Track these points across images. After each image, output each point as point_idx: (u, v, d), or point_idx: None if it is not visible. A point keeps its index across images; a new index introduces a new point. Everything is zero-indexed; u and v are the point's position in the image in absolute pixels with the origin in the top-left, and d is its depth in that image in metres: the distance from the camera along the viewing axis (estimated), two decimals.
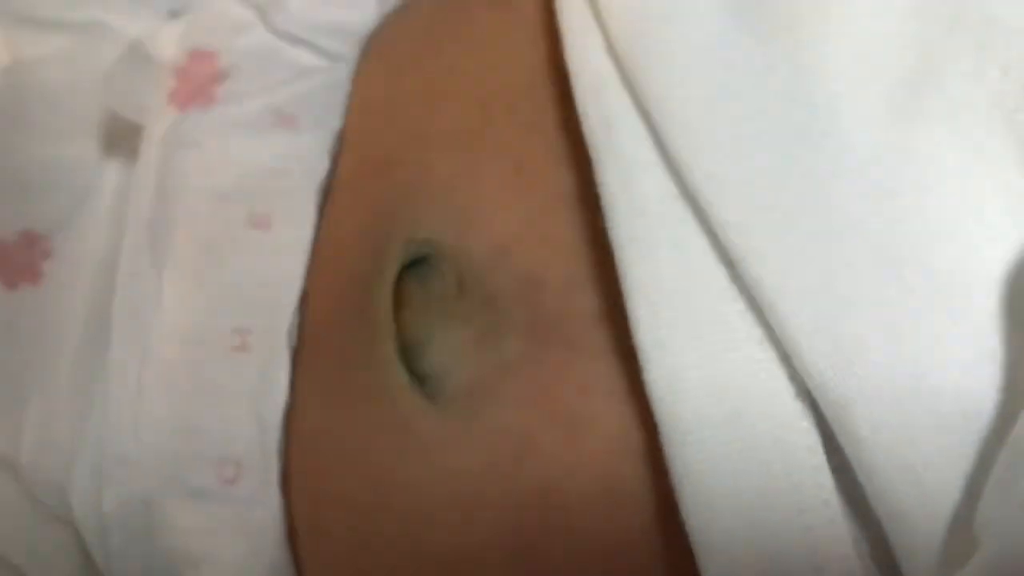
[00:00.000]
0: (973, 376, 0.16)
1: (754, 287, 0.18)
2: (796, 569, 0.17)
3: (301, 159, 0.23)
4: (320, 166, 0.23)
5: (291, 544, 0.22)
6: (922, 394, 0.16)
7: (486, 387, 0.20)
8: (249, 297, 0.22)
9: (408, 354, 0.21)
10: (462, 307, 0.21)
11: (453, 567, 0.20)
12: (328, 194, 0.24)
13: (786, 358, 0.17)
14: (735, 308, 0.18)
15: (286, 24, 0.25)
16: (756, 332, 0.18)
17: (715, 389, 0.18)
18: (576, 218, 0.21)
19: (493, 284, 0.21)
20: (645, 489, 0.19)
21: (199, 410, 0.22)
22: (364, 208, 0.23)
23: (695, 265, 0.18)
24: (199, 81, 0.24)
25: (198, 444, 0.22)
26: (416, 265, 0.22)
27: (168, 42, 0.25)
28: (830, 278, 0.17)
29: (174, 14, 0.27)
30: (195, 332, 0.22)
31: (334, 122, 0.24)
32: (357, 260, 0.22)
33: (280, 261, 0.23)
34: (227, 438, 0.22)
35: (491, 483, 0.20)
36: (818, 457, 0.17)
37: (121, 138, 0.26)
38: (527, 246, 0.21)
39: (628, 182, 0.19)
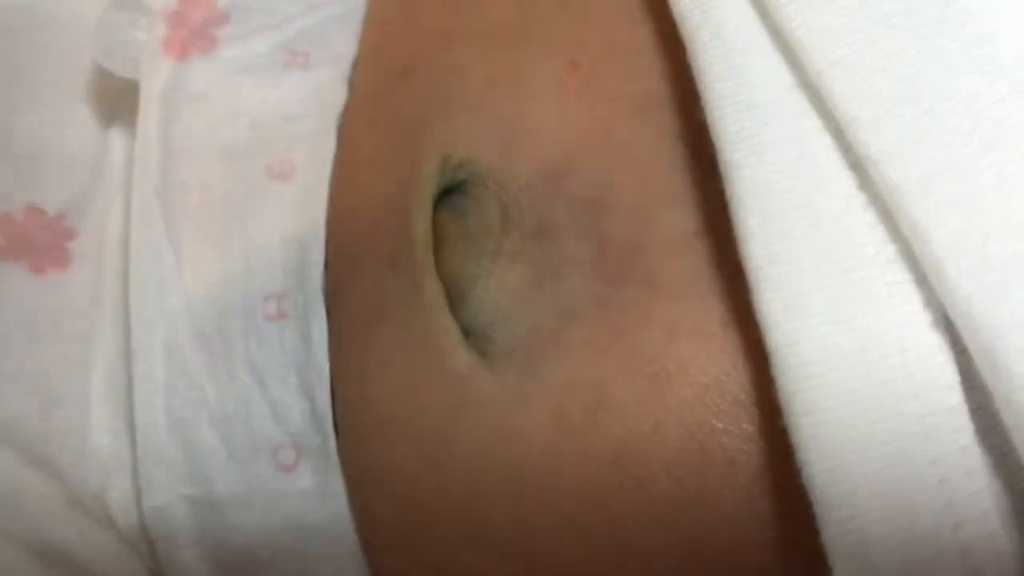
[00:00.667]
0: None
1: (889, 195, 0.15)
2: (929, 526, 0.14)
3: (317, 97, 0.21)
4: (338, 98, 0.21)
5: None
6: None
7: (547, 336, 0.18)
8: (279, 257, 0.20)
9: (450, 300, 0.19)
10: (509, 243, 0.18)
11: (517, 546, 0.18)
12: (343, 119, 0.21)
13: (923, 280, 0.15)
14: (864, 220, 0.15)
15: None
16: (888, 249, 0.15)
17: (841, 315, 0.15)
18: (649, 125, 0.18)
19: (547, 212, 0.18)
20: (744, 447, 0.17)
21: (240, 393, 0.20)
22: (385, 126, 0.20)
23: (816, 168, 0.15)
24: (195, 25, 0.22)
25: (245, 432, 0.20)
26: (450, 193, 0.19)
27: None
28: (979, 189, 0.14)
29: None
30: (224, 305, 0.20)
31: (350, 51, 0.22)
32: (382, 187, 0.20)
33: (308, 210, 0.20)
34: (278, 421, 0.20)
35: (559, 445, 0.18)
36: (956, 397, 0.15)
37: (122, 97, 0.23)
38: (589, 163, 0.18)
39: (733, 68, 0.16)
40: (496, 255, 0.18)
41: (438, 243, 0.19)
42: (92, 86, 0.24)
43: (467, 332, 0.18)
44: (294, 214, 0.20)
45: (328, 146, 0.20)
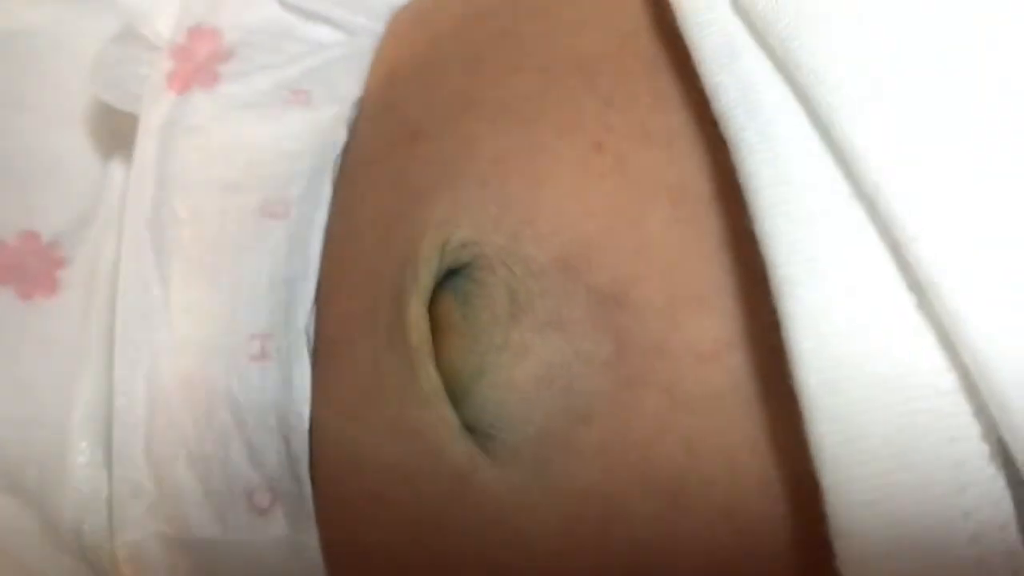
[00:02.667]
0: None
1: (951, 323, 0.14)
2: (937, 487, 0.14)
3: (317, 136, 0.21)
4: (337, 137, 0.21)
5: None
6: None
7: (558, 439, 0.17)
8: (267, 296, 0.20)
9: (451, 393, 0.18)
10: (518, 335, 0.17)
11: None
12: (343, 173, 0.21)
13: (980, 411, 0.14)
14: (923, 345, 0.14)
15: None
16: (948, 379, 0.14)
17: (899, 451, 0.14)
18: (682, 218, 0.17)
19: (562, 304, 0.17)
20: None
21: (219, 433, 0.20)
22: (388, 190, 0.19)
23: (876, 290, 0.14)
24: (200, 60, 0.22)
25: (222, 473, 0.19)
26: (453, 277, 0.18)
27: (166, 19, 0.23)
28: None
29: None
30: (209, 343, 0.20)
31: (354, 92, 0.21)
32: (381, 257, 0.19)
33: (299, 250, 0.20)
34: (255, 462, 0.19)
35: (569, 554, 0.17)
36: (1013, 535, 0.14)
37: (124, 127, 0.23)
38: (612, 253, 0.17)
39: (784, 174, 0.15)
40: (502, 349, 0.17)
41: (441, 331, 0.18)
42: (94, 115, 0.24)
43: (470, 428, 0.17)
44: (286, 253, 0.20)
45: (325, 188, 0.20)
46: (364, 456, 0.18)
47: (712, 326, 0.16)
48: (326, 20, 0.23)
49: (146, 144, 0.21)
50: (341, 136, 0.21)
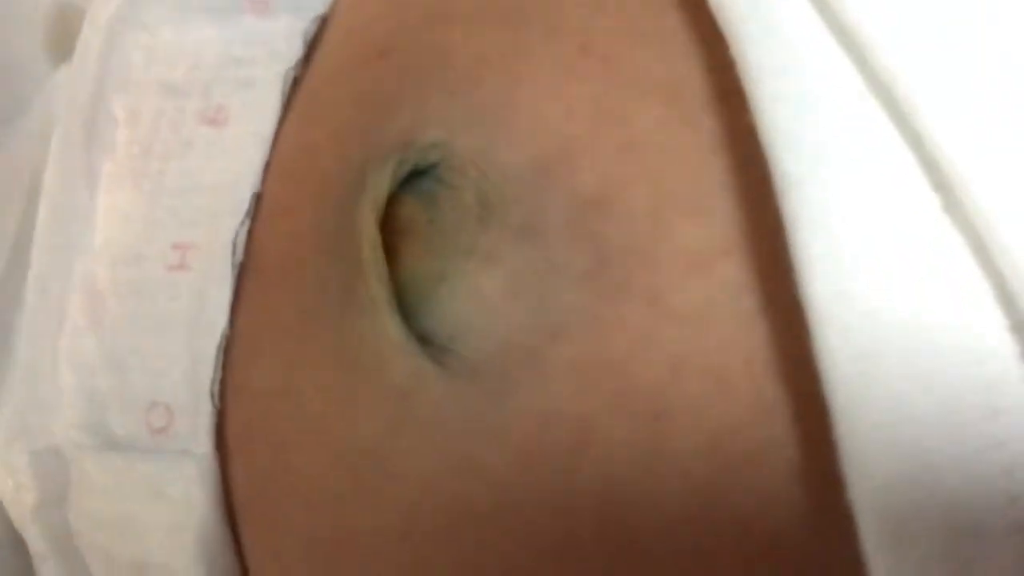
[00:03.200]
0: None
1: (978, 218, 0.12)
2: (965, 412, 0.12)
3: (269, 46, 0.19)
4: (291, 52, 0.19)
5: (228, 515, 0.18)
6: None
7: (525, 356, 0.15)
8: (195, 205, 0.18)
9: (408, 302, 0.16)
10: (487, 240, 0.15)
11: None
12: (299, 89, 0.19)
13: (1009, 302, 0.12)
14: (950, 244, 0.13)
15: None
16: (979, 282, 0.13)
17: (920, 369, 0.12)
18: (674, 116, 0.15)
19: (537, 209, 0.15)
20: (760, 515, 0.14)
21: (129, 344, 0.18)
22: (351, 106, 0.18)
23: (894, 187, 0.13)
24: None
25: (125, 385, 0.18)
26: (419, 178, 0.16)
27: None
28: None
29: None
30: (131, 251, 0.18)
31: (316, 6, 0.20)
32: (332, 167, 0.17)
33: (234, 161, 0.18)
34: (157, 377, 0.18)
35: (527, 485, 0.15)
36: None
37: (72, 32, 0.22)
38: (595, 155, 0.15)
39: (791, 65, 0.13)
40: (469, 254, 0.15)
41: (401, 235, 0.16)
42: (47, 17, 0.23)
43: (425, 341, 0.16)
44: (220, 162, 0.19)
45: (272, 99, 0.19)
46: (300, 379, 0.17)
47: (705, 232, 0.15)
48: None
49: (91, 39, 0.20)
50: (296, 48, 0.19)
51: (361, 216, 0.16)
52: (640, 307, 0.15)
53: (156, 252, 0.18)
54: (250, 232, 0.18)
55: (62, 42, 0.22)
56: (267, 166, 0.18)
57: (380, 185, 0.16)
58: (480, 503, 0.15)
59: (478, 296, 0.15)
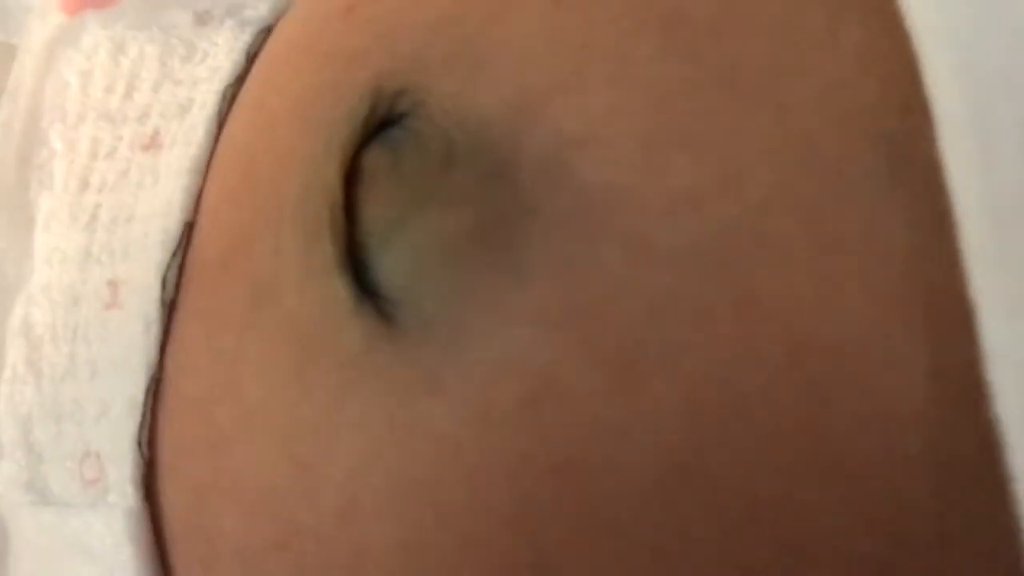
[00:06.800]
0: None
1: None
2: None
3: (209, 63, 0.18)
4: (231, 68, 0.18)
5: (165, 567, 0.16)
6: None
7: (485, 302, 0.14)
8: (129, 238, 0.17)
9: (364, 256, 0.15)
10: (452, 183, 0.14)
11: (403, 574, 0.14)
12: (255, 73, 0.18)
13: None
14: None
15: None
16: None
17: None
18: (671, 45, 0.14)
19: (510, 151, 0.14)
20: (740, 471, 0.13)
21: (66, 391, 0.17)
22: (310, 68, 0.16)
23: None
24: None
25: (61, 436, 0.17)
26: (387, 130, 0.15)
27: None
28: None
29: None
30: (68, 293, 0.17)
31: (263, 13, 0.19)
32: (292, 136, 0.16)
33: (165, 188, 0.17)
34: (92, 425, 0.17)
35: (481, 444, 0.14)
36: None
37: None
38: (579, 90, 0.14)
39: None
40: (429, 197, 0.14)
41: (360, 184, 0.15)
42: None
43: (378, 295, 0.14)
44: (152, 191, 0.17)
45: (206, 119, 0.17)
46: (242, 373, 0.15)
47: (695, 170, 0.13)
48: None
49: (25, 65, 0.19)
50: (238, 64, 0.18)
51: (325, 175, 0.15)
52: (618, 249, 0.13)
53: (91, 291, 0.17)
54: (183, 262, 0.17)
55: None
56: (204, 179, 0.17)
57: (347, 141, 0.15)
58: (428, 469, 0.14)
59: (438, 240, 0.14)
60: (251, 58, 0.18)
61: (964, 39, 0.12)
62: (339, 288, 0.15)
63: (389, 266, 0.14)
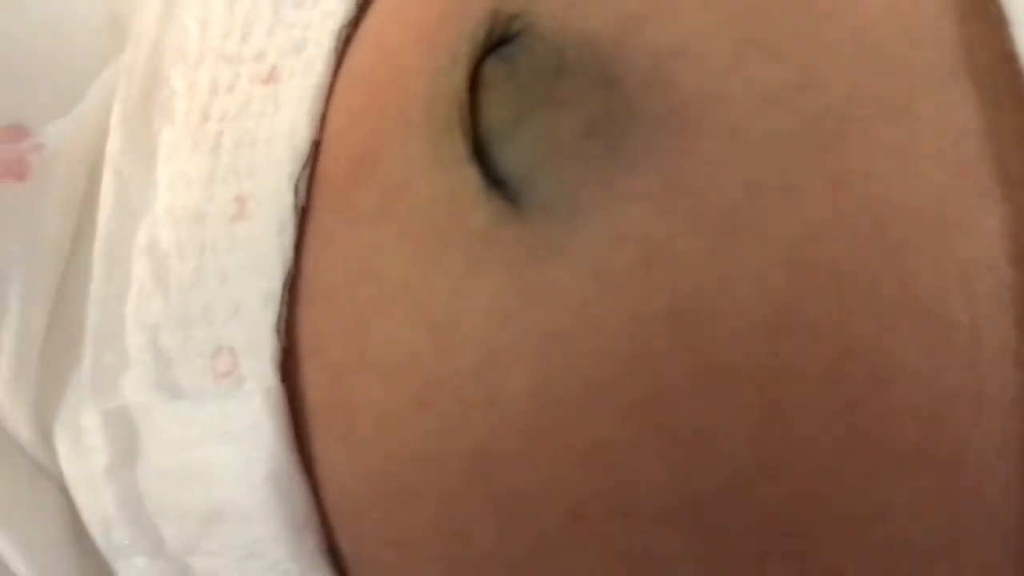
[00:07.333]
0: None
1: None
2: None
3: (321, 7, 0.19)
4: (343, 10, 0.19)
5: (300, 445, 0.17)
6: None
7: (597, 186, 0.15)
8: (254, 159, 0.18)
9: (488, 151, 0.16)
10: (563, 88, 0.16)
11: (532, 420, 0.15)
12: (361, 23, 0.19)
13: None
14: None
15: None
16: None
17: None
18: None
19: (613, 63, 0.16)
20: (832, 320, 0.14)
21: (194, 300, 0.18)
22: (425, 4, 0.18)
23: None
24: None
25: (190, 341, 0.18)
26: (503, 47, 0.17)
27: None
28: None
29: None
30: (194, 212, 0.18)
31: None
32: (416, 59, 0.18)
33: (289, 113, 0.18)
34: (222, 325, 0.18)
35: (600, 300, 0.15)
36: None
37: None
38: (672, 10, 0.16)
39: None
40: (544, 100, 0.16)
41: (480, 91, 0.17)
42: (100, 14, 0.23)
43: (506, 183, 0.16)
44: (275, 117, 0.19)
45: (324, 53, 0.19)
46: (378, 263, 0.17)
47: (782, 69, 0.15)
48: None
49: (148, 14, 0.20)
50: (349, 6, 0.19)
51: (453, 80, 0.17)
52: (715, 139, 0.15)
53: (218, 209, 0.18)
54: (311, 175, 0.18)
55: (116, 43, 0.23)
56: (325, 110, 0.18)
57: (469, 54, 0.17)
58: (555, 324, 0.15)
59: (553, 136, 0.16)
60: (361, 4, 0.20)
61: None
62: (469, 174, 0.16)
63: (511, 158, 0.16)
